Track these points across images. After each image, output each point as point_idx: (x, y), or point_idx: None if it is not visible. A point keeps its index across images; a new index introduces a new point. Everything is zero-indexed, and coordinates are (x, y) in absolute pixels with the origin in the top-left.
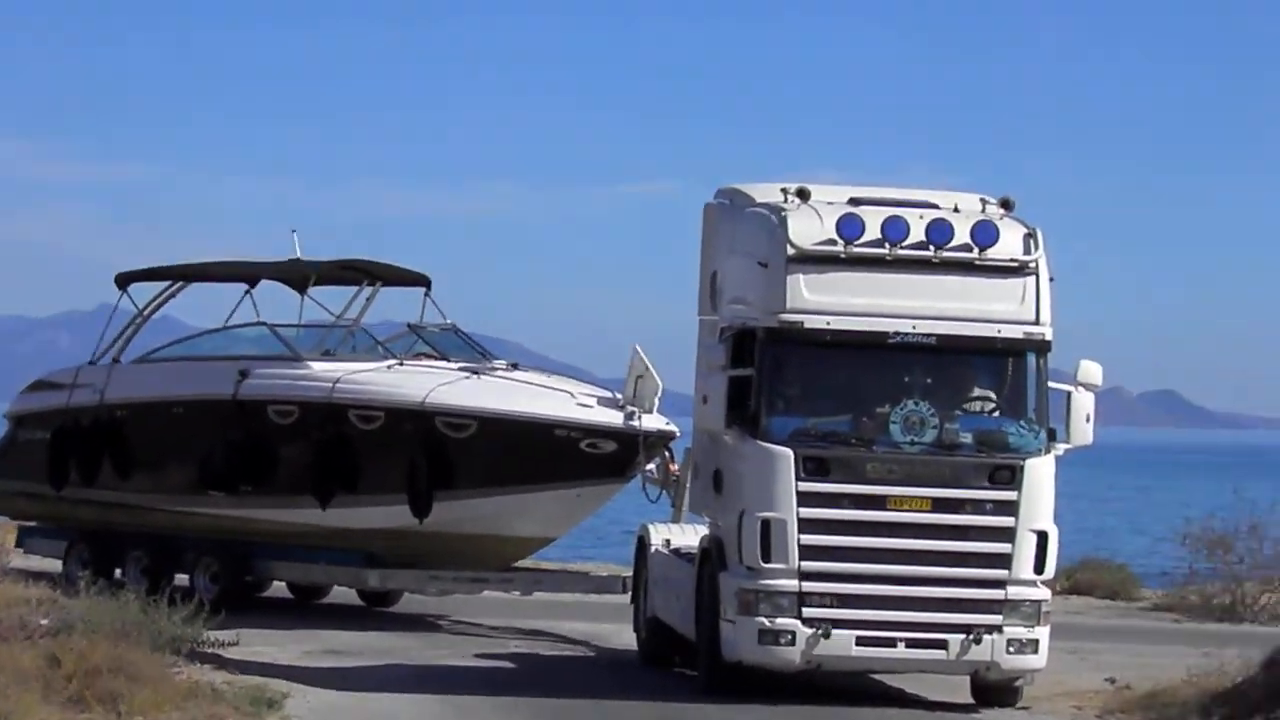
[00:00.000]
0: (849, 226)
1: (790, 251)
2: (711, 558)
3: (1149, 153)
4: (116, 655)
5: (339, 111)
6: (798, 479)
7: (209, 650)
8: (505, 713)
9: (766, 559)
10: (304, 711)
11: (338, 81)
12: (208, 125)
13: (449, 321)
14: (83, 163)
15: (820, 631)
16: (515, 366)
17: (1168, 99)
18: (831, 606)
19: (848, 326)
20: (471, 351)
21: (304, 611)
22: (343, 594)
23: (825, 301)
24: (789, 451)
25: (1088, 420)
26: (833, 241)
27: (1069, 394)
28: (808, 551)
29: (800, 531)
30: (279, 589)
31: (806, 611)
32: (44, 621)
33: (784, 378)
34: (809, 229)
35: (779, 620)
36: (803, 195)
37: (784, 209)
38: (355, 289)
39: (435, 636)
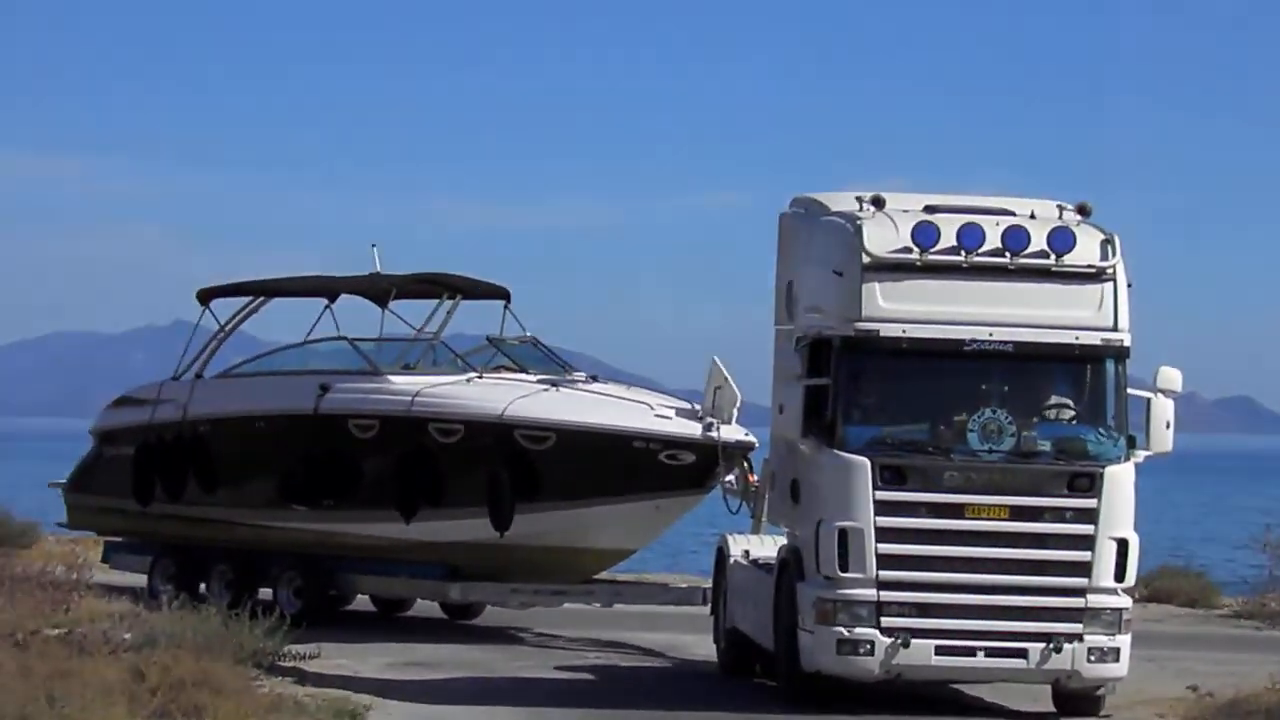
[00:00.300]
0: (924, 234)
1: (865, 260)
2: (789, 568)
3: (1223, 153)
4: (200, 669)
5: (411, 126)
6: (875, 488)
7: (290, 663)
8: None
9: (844, 568)
10: None
11: (409, 95)
12: (281, 141)
13: (528, 334)
14: (156, 179)
15: (899, 641)
16: (594, 378)
17: (1231, 97)
18: (910, 616)
19: (924, 334)
20: (551, 364)
21: (385, 625)
22: (426, 607)
23: (901, 310)
24: (866, 460)
25: (1168, 427)
26: (908, 249)
27: (1149, 400)
28: (886, 561)
29: (878, 540)
30: (363, 602)
31: (885, 621)
32: (127, 635)
33: (860, 386)
34: (884, 237)
35: (857, 630)
36: (878, 203)
37: (859, 217)
38: (434, 302)
39: (516, 649)
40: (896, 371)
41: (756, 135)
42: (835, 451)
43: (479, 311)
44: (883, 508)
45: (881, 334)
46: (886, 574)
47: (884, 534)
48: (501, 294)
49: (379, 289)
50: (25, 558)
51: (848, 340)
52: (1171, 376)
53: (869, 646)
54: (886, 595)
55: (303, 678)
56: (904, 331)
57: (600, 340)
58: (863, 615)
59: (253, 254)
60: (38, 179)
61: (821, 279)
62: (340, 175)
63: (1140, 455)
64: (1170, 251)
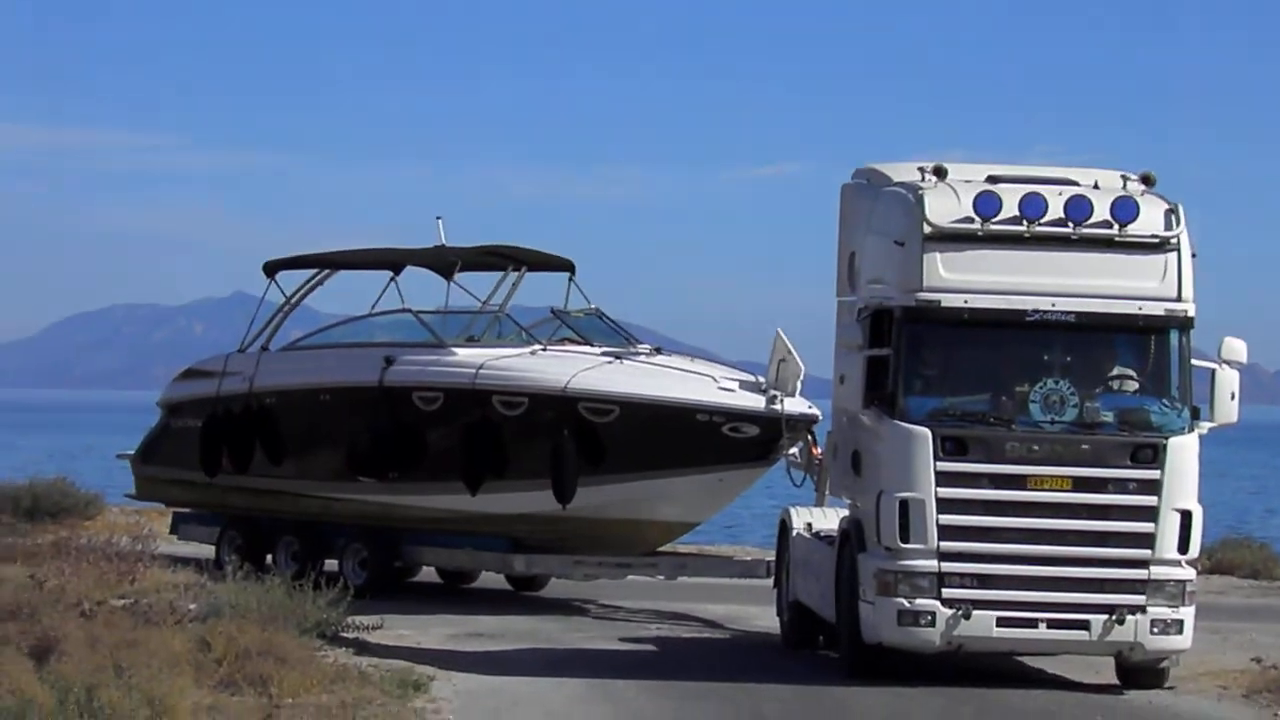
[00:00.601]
0: (986, 204)
1: (927, 230)
2: (851, 539)
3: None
4: (265, 639)
5: (470, 95)
6: (936, 459)
7: (353, 634)
8: (650, 695)
9: (905, 539)
10: (449, 694)
11: (468, 66)
12: (339, 113)
13: (593, 306)
14: (216, 152)
15: (960, 612)
16: (658, 351)
17: None
18: (971, 587)
19: (985, 305)
20: (616, 336)
21: (448, 596)
22: (491, 579)
23: (963, 280)
24: (927, 431)
25: (1232, 398)
26: (970, 219)
27: (1213, 371)
28: (947, 532)
29: (939, 512)
30: (428, 574)
31: (946, 592)
32: (192, 606)
33: (921, 357)
34: (946, 207)
35: (918, 601)
36: (939, 173)
37: (921, 187)
38: (499, 275)
39: (579, 620)
40: (958, 342)
41: (814, 106)
42: (896, 422)
43: (543, 283)
44: (944, 479)
45: (943, 304)
46: (948, 545)
47: (945, 505)
48: (566, 266)
49: (444, 261)
50: (90, 529)
51: (909, 310)
52: (1236, 347)
53: (930, 618)
54: (948, 566)
55: (366, 648)
56: (966, 302)
57: (658, 312)
58: (924, 586)
59: (312, 228)
60: (101, 151)
61: (883, 249)
62: (401, 149)
63: (1204, 426)
64: (1231, 220)
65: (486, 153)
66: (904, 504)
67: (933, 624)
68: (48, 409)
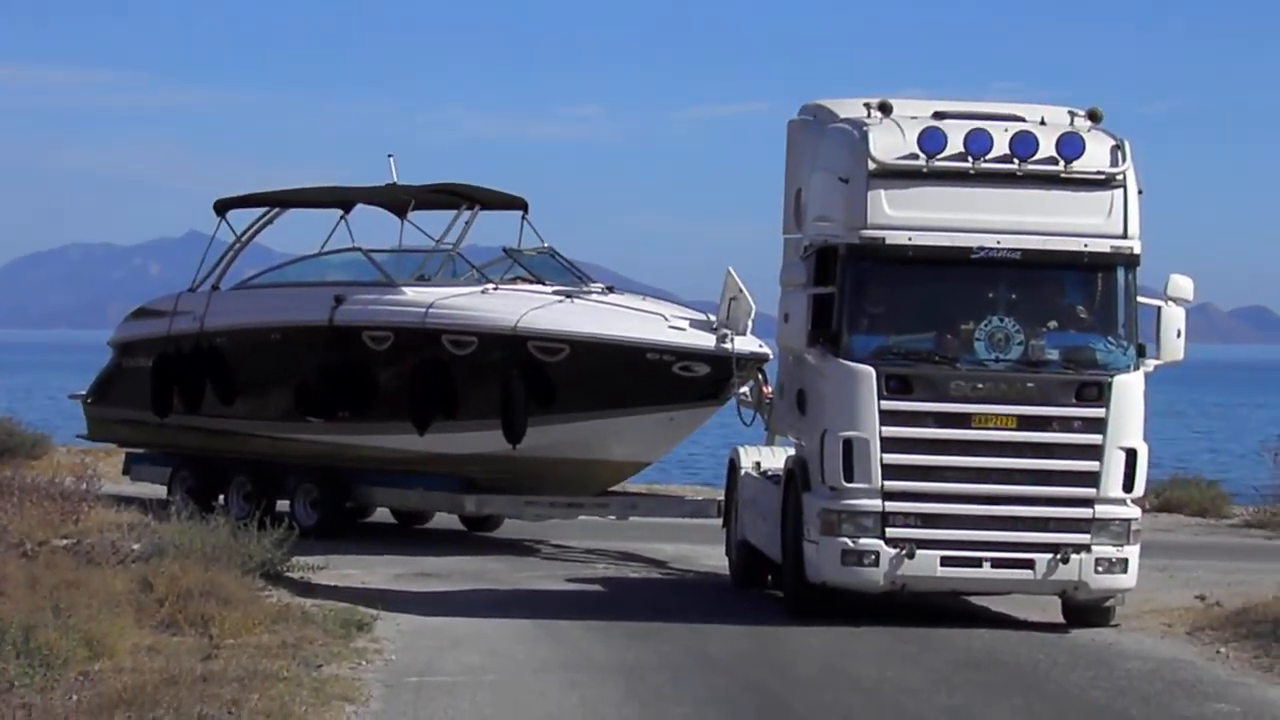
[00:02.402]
0: (931, 140)
1: (871, 166)
2: (796, 479)
3: (1238, 49)
4: (207, 579)
5: (422, 35)
6: (880, 397)
7: (298, 574)
8: (595, 634)
9: (849, 479)
10: (392, 634)
11: (418, 6)
12: (293, 56)
13: (546, 245)
14: (171, 93)
15: (904, 552)
16: (610, 290)
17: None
18: (915, 526)
19: (930, 242)
20: (569, 275)
21: (396, 536)
22: (445, 520)
23: (907, 217)
24: (871, 370)
25: (1179, 335)
26: (914, 156)
27: (1159, 309)
28: (891, 471)
29: (883, 450)
30: (383, 515)
31: (890, 532)
32: (135, 546)
33: (866, 295)
34: (891, 143)
35: (862, 541)
36: (885, 109)
37: (866, 123)
38: (452, 213)
39: (527, 560)
40: (903, 279)
41: (771, 45)
42: (840, 361)
43: (496, 222)
44: (888, 417)
45: (887, 241)
46: (892, 484)
47: (889, 444)
48: (519, 204)
49: (398, 200)
50: (36, 469)
51: (853, 248)
52: (1182, 284)
53: (874, 557)
54: (892, 506)
55: (310, 588)
56: (910, 239)
57: (612, 252)
58: (868, 526)
59: (264, 168)
60: (55, 91)
61: (829, 186)
62: (351, 89)
63: (1150, 364)
64: (1185, 162)
65: (441, 89)
66: (848, 443)
67: (876, 564)
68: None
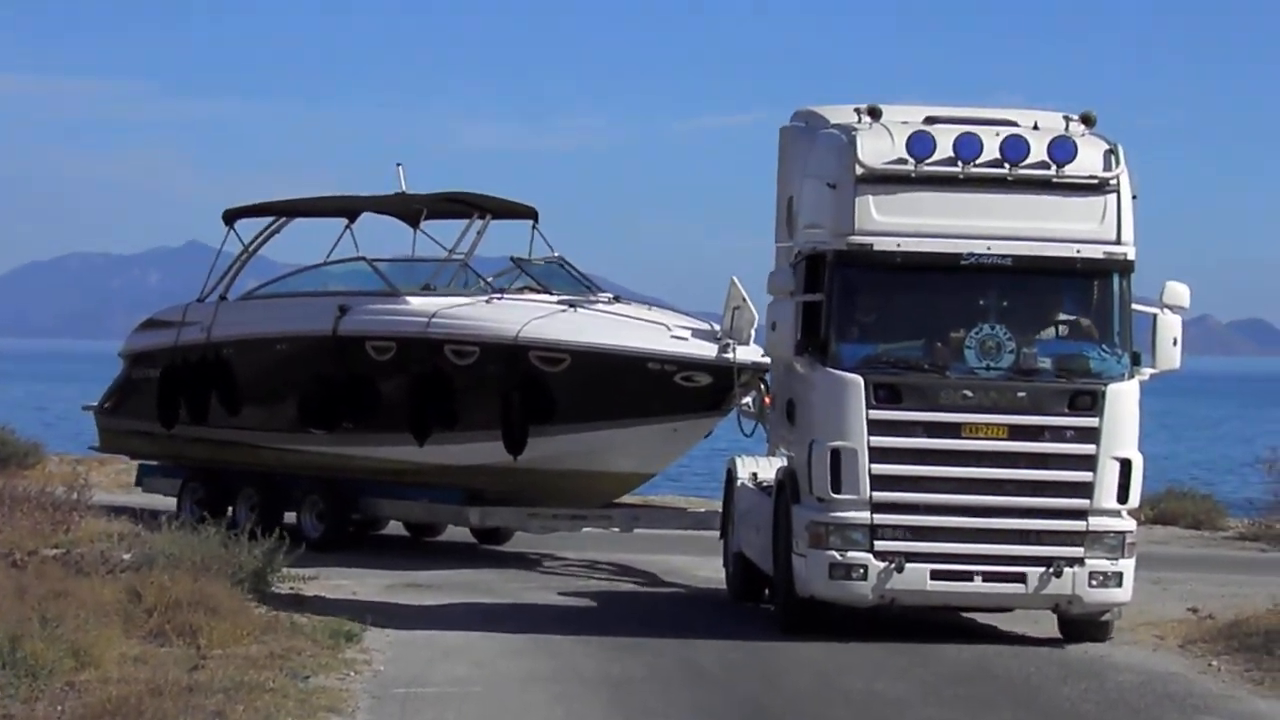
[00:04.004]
0: (919, 144)
1: (859, 171)
2: (785, 490)
3: (1239, 62)
4: (196, 589)
5: (427, 44)
6: (869, 407)
7: (288, 585)
8: (585, 648)
9: (837, 490)
10: (382, 644)
11: (420, 18)
12: (293, 62)
13: (555, 254)
14: (171, 103)
15: (893, 565)
16: (617, 299)
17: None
18: (905, 539)
19: (919, 248)
20: (578, 285)
21: (388, 548)
22: (457, 533)
23: (896, 223)
24: (859, 378)
25: (1175, 344)
26: (903, 160)
27: (1155, 316)
28: (879, 482)
29: (871, 461)
30: (395, 528)
31: (879, 544)
32: (126, 556)
33: (854, 302)
34: (879, 148)
35: (850, 554)
36: (874, 114)
37: (855, 128)
38: (462, 223)
39: (519, 572)
40: (891, 286)
41: (772, 58)
42: (828, 370)
43: (506, 231)
44: (877, 427)
45: (875, 248)
46: (880, 496)
47: (878, 454)
48: (529, 213)
49: (411, 209)
50: (28, 478)
51: (841, 254)
52: (1178, 292)
53: (862, 571)
54: (880, 518)
55: (300, 599)
56: (899, 245)
57: (613, 263)
58: (856, 539)
59: (264, 178)
60: (56, 100)
61: (819, 193)
62: (353, 100)
63: (1146, 373)
64: (1185, 175)
65: (441, 100)
66: (835, 453)
67: (865, 577)
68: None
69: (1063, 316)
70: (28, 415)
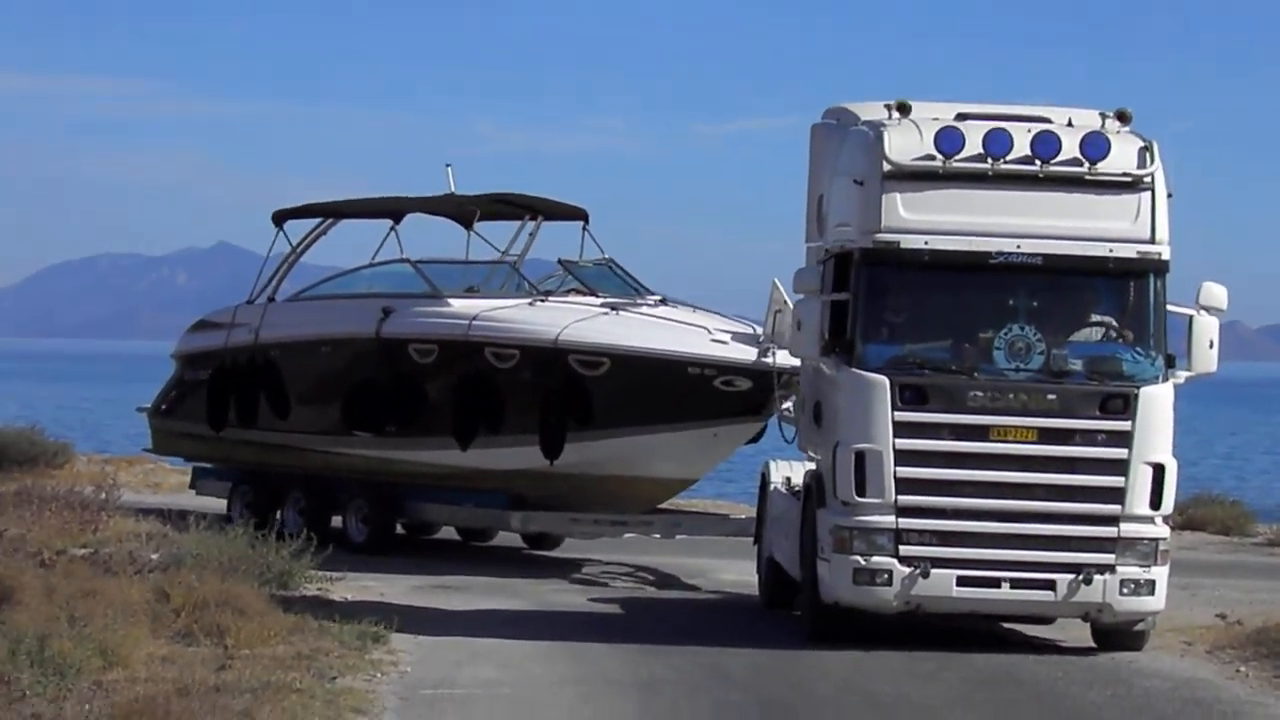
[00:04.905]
0: (948, 141)
1: (887, 168)
2: (812, 494)
3: (1270, 64)
4: (224, 590)
5: (449, 47)
6: (894, 408)
7: (316, 586)
8: (613, 650)
9: (861, 493)
10: (409, 646)
11: (445, 17)
12: (322, 65)
13: (605, 256)
14: (200, 104)
15: (919, 570)
16: (664, 302)
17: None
18: (931, 544)
19: (947, 246)
20: (626, 287)
21: (417, 549)
22: (511, 538)
23: (924, 220)
24: (885, 379)
25: (1211, 346)
26: (932, 157)
27: (1191, 318)
28: (905, 485)
29: (897, 464)
30: (449, 532)
31: (904, 549)
32: (153, 556)
33: (881, 302)
34: (907, 144)
35: (875, 559)
36: (903, 110)
37: (883, 125)
38: (514, 224)
39: (550, 575)
40: (919, 285)
41: (806, 54)
42: (853, 370)
43: (556, 233)
44: (903, 429)
45: (902, 245)
46: (906, 499)
47: (904, 457)
48: (580, 215)
49: (465, 211)
50: (57, 478)
51: (867, 252)
52: (1216, 293)
53: (886, 576)
54: (906, 522)
55: (328, 600)
56: (926, 243)
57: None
58: (880, 543)
59: (293, 180)
60: (85, 100)
61: (847, 190)
62: (377, 102)
63: (1181, 376)
64: (1214, 179)
65: (464, 107)
66: (860, 456)
67: (889, 583)
68: (30, 357)
69: (1095, 317)
70: (68, 414)
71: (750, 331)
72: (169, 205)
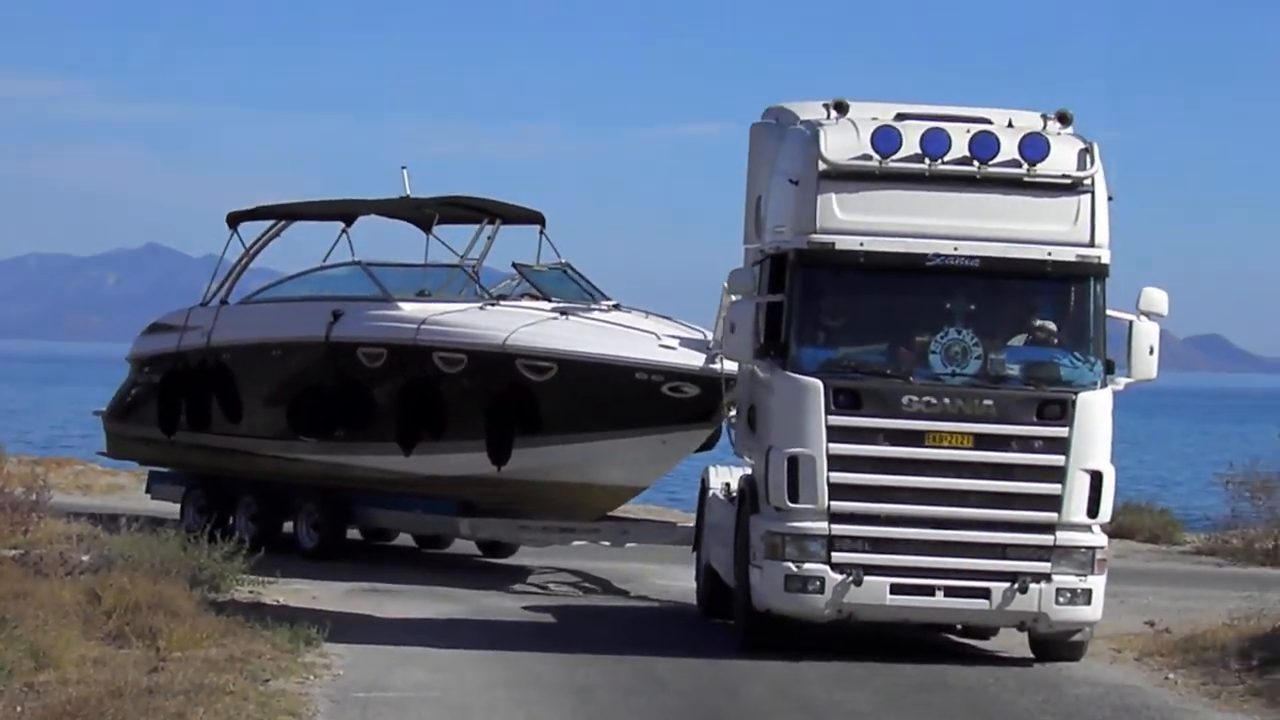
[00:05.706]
0: (885, 140)
1: (822, 167)
2: (746, 500)
3: (1203, 83)
4: (156, 592)
5: (383, 48)
6: (828, 412)
7: (249, 589)
8: (547, 655)
9: (794, 499)
10: (341, 649)
11: (381, 17)
12: (250, 63)
13: (561, 260)
14: (128, 104)
15: (851, 578)
16: (617, 307)
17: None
18: (864, 551)
19: (883, 248)
20: (581, 291)
21: (353, 553)
22: (468, 545)
23: (860, 221)
24: (818, 383)
25: (1151, 352)
26: (868, 156)
27: (1131, 323)
28: (838, 491)
29: (830, 469)
30: (406, 539)
31: (836, 556)
32: (85, 558)
33: (816, 304)
34: (843, 144)
35: (806, 565)
36: (841, 109)
37: (820, 124)
38: (473, 228)
39: (485, 580)
40: (854, 288)
41: (736, 61)
42: (787, 373)
43: (517, 237)
44: (836, 434)
45: (837, 247)
46: (839, 505)
47: (837, 462)
48: (536, 219)
49: (424, 214)
50: None
51: (802, 253)
52: (1156, 298)
53: (818, 583)
54: (838, 528)
55: (260, 603)
56: (862, 244)
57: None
58: (812, 550)
59: (225, 181)
60: (15, 100)
61: (783, 190)
62: (318, 102)
63: (1120, 382)
64: (1140, 190)
65: (405, 108)
66: (793, 460)
67: (821, 590)
68: None
69: (1033, 321)
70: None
71: (700, 337)
72: (100, 206)
